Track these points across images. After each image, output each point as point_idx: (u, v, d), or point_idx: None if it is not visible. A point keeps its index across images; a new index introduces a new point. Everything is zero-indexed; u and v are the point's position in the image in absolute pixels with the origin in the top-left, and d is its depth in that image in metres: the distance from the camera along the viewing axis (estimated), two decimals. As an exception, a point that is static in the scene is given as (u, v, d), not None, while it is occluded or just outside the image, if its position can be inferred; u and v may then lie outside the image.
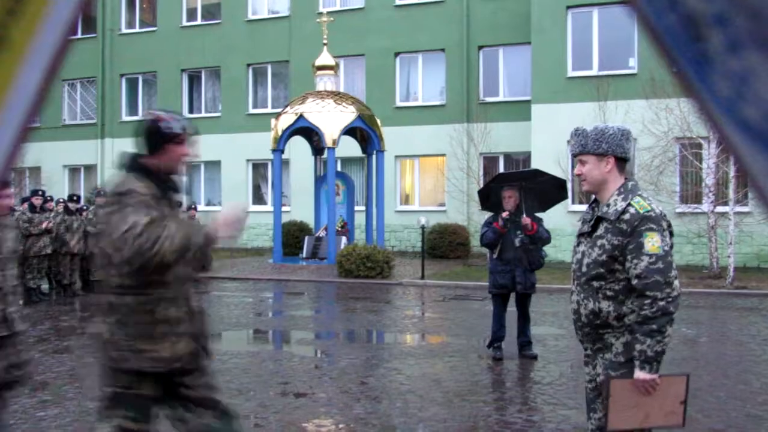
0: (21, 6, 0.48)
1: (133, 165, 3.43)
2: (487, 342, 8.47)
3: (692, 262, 18.28)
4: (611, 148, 3.33)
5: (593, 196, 3.54)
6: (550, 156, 18.22)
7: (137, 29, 27.59)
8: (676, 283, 3.24)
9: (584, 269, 3.35)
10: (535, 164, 17.23)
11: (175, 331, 3.37)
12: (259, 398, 6.56)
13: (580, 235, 3.47)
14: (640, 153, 18.57)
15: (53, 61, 0.51)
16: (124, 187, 3.31)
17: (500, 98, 22.43)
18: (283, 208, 20.99)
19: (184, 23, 26.60)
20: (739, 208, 16.56)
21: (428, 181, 23.47)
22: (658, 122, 17.23)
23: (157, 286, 3.31)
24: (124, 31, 27.63)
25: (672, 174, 18.43)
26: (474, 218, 19.86)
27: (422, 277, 16.04)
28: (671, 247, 3.27)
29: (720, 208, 16.44)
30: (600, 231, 3.33)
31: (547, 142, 19.31)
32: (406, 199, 23.80)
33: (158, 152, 3.38)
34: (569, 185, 17.86)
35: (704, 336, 9.88)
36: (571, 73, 19.81)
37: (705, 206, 16.76)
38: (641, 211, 3.23)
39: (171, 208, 3.47)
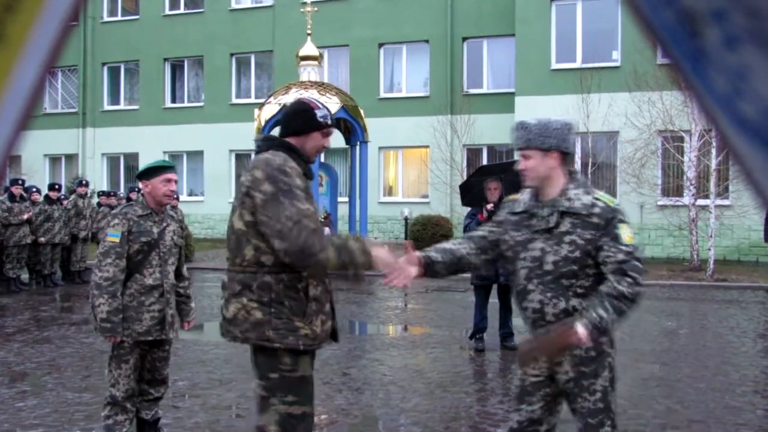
0: (18, 2, 0.48)
1: (280, 143, 3.42)
2: (469, 333, 8.49)
3: (673, 254, 18.41)
4: (556, 143, 3.25)
5: (526, 192, 3.46)
6: (533, 148, 18.24)
7: (119, 17, 27.32)
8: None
9: (549, 267, 3.24)
10: (518, 156, 17.24)
11: (323, 309, 3.37)
12: (241, 389, 6.54)
13: (536, 231, 3.30)
14: (623, 146, 18.67)
15: (50, 55, 0.50)
16: (278, 159, 3.28)
17: (484, 90, 22.43)
18: (266, 199, 20.91)
19: (167, 12, 26.38)
20: (719, 201, 16.71)
21: (412, 173, 23.47)
22: (640, 115, 17.33)
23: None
24: (106, 19, 27.35)
25: (654, 167, 18.55)
26: (457, 210, 19.87)
27: (405, 269, 16.02)
28: None
29: (701, 201, 16.58)
30: (565, 227, 3.22)
31: (530, 134, 19.32)
32: (389, 191, 23.79)
33: (304, 136, 3.40)
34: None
35: (684, 328, 9.97)
36: (554, 66, 19.85)
37: (686, 199, 16.89)
38: (611, 205, 3.22)
39: (309, 190, 3.47)
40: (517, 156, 3.43)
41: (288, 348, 3.25)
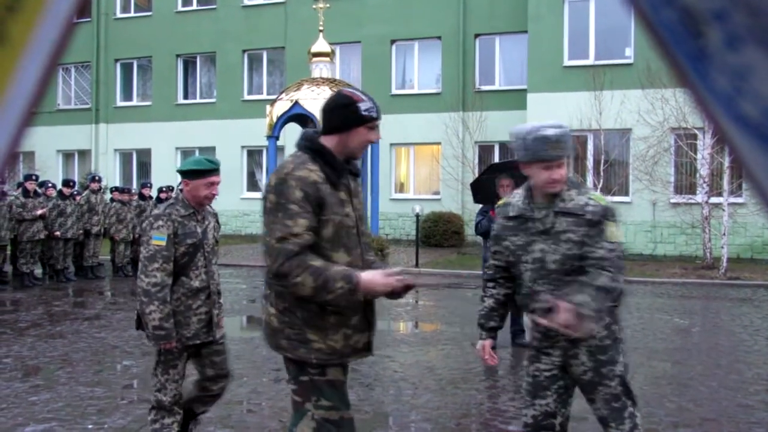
0: (20, 2, 0.48)
1: (309, 145, 3.20)
2: (481, 330, 8.48)
3: (686, 252, 18.32)
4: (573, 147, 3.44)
5: (516, 195, 3.58)
6: (545, 145, 18.18)
7: (132, 14, 27.42)
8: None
9: (552, 266, 3.36)
10: (553, 167, 17.21)
11: (347, 323, 3.15)
12: (252, 384, 6.58)
13: (534, 233, 3.41)
14: (636, 143, 18.58)
15: (53, 56, 0.50)
16: (292, 165, 3.09)
17: (496, 87, 22.37)
18: (278, 195, 20.96)
19: (180, 8, 26.44)
20: (733, 199, 16.61)
21: (423, 170, 23.45)
22: (653, 112, 17.24)
23: None
24: (119, 15, 27.46)
25: (667, 164, 18.46)
26: (468, 207, 19.85)
27: (416, 265, 16.05)
28: None
29: (714, 199, 16.48)
30: (562, 226, 3.35)
31: (542, 131, 19.26)
32: (400, 187, 23.78)
33: (345, 133, 3.17)
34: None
35: (697, 326, 9.92)
36: (567, 63, 19.77)
37: (699, 197, 16.80)
38: (602, 203, 3.36)
39: (348, 194, 3.24)
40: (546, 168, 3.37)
41: (301, 360, 3.12)
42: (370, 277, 3.01)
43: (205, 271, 4.43)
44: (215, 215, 4.72)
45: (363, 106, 3.16)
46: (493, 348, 3.71)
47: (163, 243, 4.23)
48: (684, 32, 0.48)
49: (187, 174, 4.41)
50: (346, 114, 3.16)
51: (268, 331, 3.21)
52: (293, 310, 3.10)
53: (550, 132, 3.34)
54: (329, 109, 3.24)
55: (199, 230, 4.41)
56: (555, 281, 3.37)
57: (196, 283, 4.39)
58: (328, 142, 3.18)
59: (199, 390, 4.69)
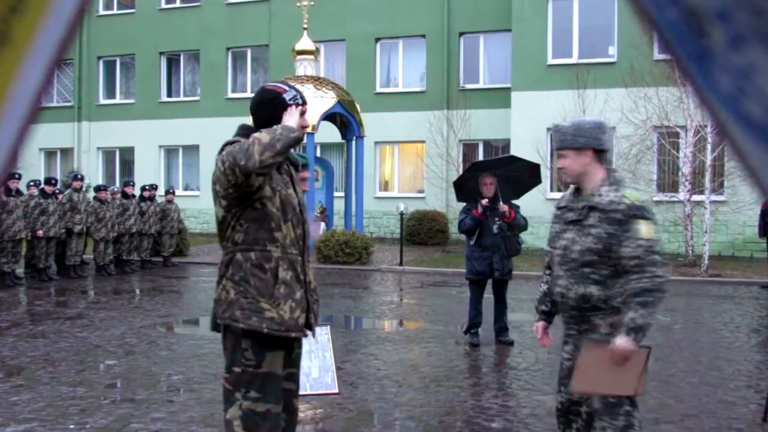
0: (23, 3, 0.48)
1: (245, 132, 3.35)
2: (464, 328, 8.51)
3: (668, 250, 18.41)
4: (588, 142, 3.52)
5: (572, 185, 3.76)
6: (529, 143, 18.27)
7: (115, 11, 27.22)
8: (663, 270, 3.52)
9: (574, 256, 3.51)
10: (514, 151, 17.25)
11: (293, 296, 3.28)
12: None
13: (568, 222, 3.60)
14: (619, 141, 18.64)
15: (55, 56, 0.50)
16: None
17: (480, 85, 22.43)
18: (262, 193, 20.90)
19: (163, 5, 26.29)
20: (714, 197, 16.74)
21: (408, 168, 23.46)
22: (636, 111, 17.33)
23: (271, 243, 3.24)
24: (102, 12, 27.24)
25: (649, 162, 18.57)
26: (453, 205, 19.88)
27: (400, 264, 16.06)
28: None
29: (696, 197, 16.60)
30: (592, 220, 3.49)
31: (526, 129, 19.35)
32: (385, 186, 23.78)
33: (276, 123, 3.30)
34: (547, 173, 17.98)
35: (679, 323, 9.99)
36: (551, 61, 19.85)
37: (681, 195, 16.91)
38: (636, 203, 3.46)
39: (291, 179, 3.42)
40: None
41: (251, 330, 3.20)
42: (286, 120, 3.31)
43: None
44: None
45: (287, 95, 3.35)
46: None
47: None
48: (688, 32, 0.49)
49: None
50: (273, 106, 3.34)
51: (224, 306, 3.27)
52: (248, 280, 3.23)
53: (558, 124, 3.67)
54: (257, 106, 3.42)
55: None
56: (573, 270, 3.52)
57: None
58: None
59: None
